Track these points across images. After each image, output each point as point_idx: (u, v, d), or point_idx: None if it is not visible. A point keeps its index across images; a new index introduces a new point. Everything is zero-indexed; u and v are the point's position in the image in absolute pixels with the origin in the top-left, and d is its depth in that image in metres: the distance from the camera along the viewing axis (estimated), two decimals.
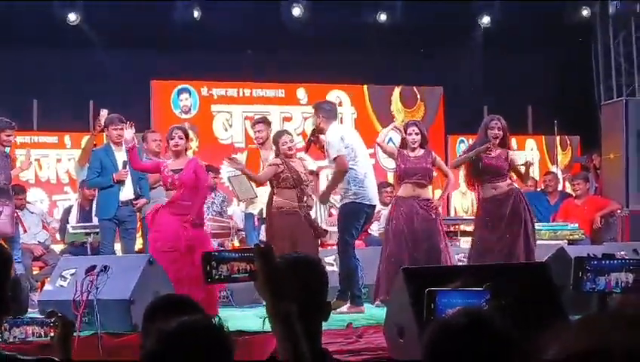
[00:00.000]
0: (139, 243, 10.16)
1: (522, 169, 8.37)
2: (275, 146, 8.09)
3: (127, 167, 8.36)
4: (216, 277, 2.31)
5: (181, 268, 6.80)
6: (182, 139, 7.38)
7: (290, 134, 8.38)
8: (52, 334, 2.98)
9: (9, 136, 8.45)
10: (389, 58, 12.50)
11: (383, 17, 12.59)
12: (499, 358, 2.16)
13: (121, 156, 8.48)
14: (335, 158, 7.83)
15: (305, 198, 7.93)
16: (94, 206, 9.16)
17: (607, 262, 5.51)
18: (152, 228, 7.26)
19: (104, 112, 8.96)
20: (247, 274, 2.30)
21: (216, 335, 2.14)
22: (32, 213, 9.95)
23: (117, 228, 8.46)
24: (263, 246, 1.92)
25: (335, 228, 10.71)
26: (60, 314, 3.06)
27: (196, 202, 7.29)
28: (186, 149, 7.54)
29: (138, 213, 8.69)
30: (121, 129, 8.29)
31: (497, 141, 7.99)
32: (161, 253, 6.88)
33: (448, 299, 3.12)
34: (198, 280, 6.96)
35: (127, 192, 8.50)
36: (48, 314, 3.10)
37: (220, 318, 2.24)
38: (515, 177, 8.32)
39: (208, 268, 2.38)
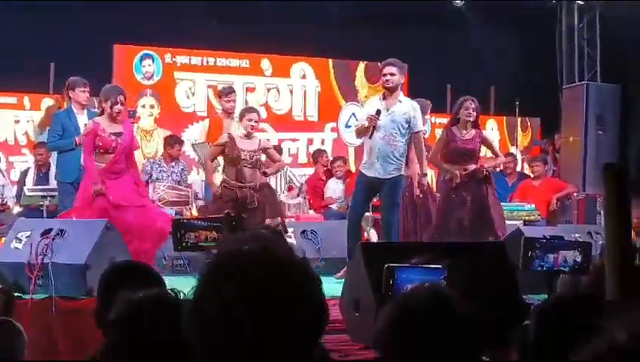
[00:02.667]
0: None
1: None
2: (240, 119, 8.08)
3: None
4: (184, 244, 2.31)
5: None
6: (123, 105, 7.33)
7: (259, 113, 8.38)
8: None
9: None
10: (354, 33, 12.47)
11: None
12: (458, 336, 2.18)
13: (82, 119, 8.38)
14: (418, 132, 7.78)
15: (245, 177, 7.89)
16: (52, 169, 9.06)
17: (557, 241, 5.61)
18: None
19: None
20: (214, 243, 2.29)
21: (181, 307, 2.13)
22: None
23: (75, 191, 8.37)
24: (232, 215, 1.91)
25: (294, 201, 10.75)
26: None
27: (132, 164, 7.40)
28: None
29: None
30: (87, 91, 8.25)
31: (471, 119, 7.95)
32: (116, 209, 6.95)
33: (407, 274, 3.14)
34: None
35: None
36: None
37: (184, 293, 2.23)
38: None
39: (178, 235, 2.37)
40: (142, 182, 7.82)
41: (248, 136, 7.98)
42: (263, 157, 8.21)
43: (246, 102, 11.78)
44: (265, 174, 8.15)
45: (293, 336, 1.40)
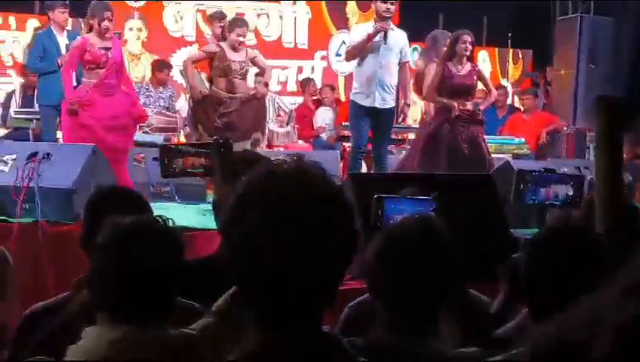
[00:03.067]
0: None
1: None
2: (229, 32, 7.91)
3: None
4: (171, 170, 2.28)
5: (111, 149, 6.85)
6: (112, 21, 7.23)
7: (248, 27, 8.26)
8: None
9: None
10: None
11: None
12: (445, 267, 2.18)
13: (63, 40, 8.29)
14: (407, 62, 7.79)
15: (236, 88, 7.84)
16: (36, 91, 8.97)
17: (549, 175, 5.60)
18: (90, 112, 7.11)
19: None
20: (202, 170, 2.26)
21: (169, 233, 2.12)
22: None
23: (58, 115, 8.29)
24: (221, 141, 1.87)
25: (283, 130, 10.70)
26: None
27: (125, 81, 7.38)
28: None
29: None
30: (67, 12, 8.16)
31: (467, 53, 7.82)
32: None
33: (396, 205, 3.13)
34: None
35: None
36: None
37: (172, 220, 2.21)
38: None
39: (166, 161, 2.34)
40: (139, 105, 7.70)
41: (235, 49, 7.87)
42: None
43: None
44: (267, 85, 8.14)
45: (319, 263, 1.37)
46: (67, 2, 8.33)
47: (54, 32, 8.35)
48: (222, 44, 7.91)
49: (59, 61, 8.17)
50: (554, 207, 5.10)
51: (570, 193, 5.27)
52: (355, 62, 7.84)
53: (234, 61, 7.81)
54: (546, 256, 2.15)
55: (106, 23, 7.15)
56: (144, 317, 2.02)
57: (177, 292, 2.14)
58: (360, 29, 7.97)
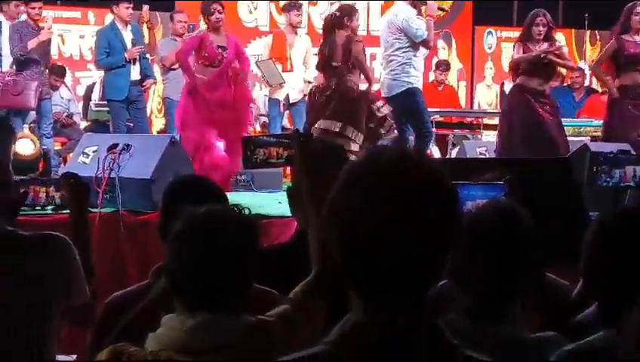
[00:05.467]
0: (160, 123, 10.21)
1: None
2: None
3: (139, 45, 8.35)
4: (254, 160, 2.31)
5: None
6: (221, 13, 7.26)
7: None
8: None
9: (34, 8, 8.34)
10: None
11: None
12: (525, 250, 2.17)
13: (127, 35, 8.40)
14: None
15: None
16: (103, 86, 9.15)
17: (624, 156, 5.47)
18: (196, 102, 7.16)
19: (146, 8, 8.83)
20: (284, 160, 2.29)
21: (244, 221, 2.14)
22: (62, 98, 10.04)
23: (127, 108, 8.44)
24: (301, 132, 1.88)
25: None
26: (71, 177, 3.08)
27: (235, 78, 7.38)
28: None
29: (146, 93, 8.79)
30: (132, 7, 8.29)
31: (542, 36, 7.73)
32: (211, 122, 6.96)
33: (468, 191, 3.12)
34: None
35: (135, 72, 8.44)
36: (63, 178, 3.15)
37: (249, 209, 2.23)
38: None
39: (248, 152, 2.37)
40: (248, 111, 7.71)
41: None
42: None
43: (309, 16, 11.66)
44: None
45: (420, 243, 1.39)
46: None
47: (118, 26, 8.46)
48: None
49: (127, 55, 8.31)
50: (630, 188, 4.98)
51: None
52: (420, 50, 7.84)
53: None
54: (614, 237, 2.12)
55: (216, 16, 7.20)
56: (221, 304, 2.04)
57: (254, 280, 2.17)
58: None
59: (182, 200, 2.76)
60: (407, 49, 7.65)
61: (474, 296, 2.16)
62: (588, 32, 12.93)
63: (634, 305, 1.65)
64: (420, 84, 7.88)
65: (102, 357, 2.03)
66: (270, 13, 12.09)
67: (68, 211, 3.20)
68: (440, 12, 7.98)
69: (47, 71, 8.79)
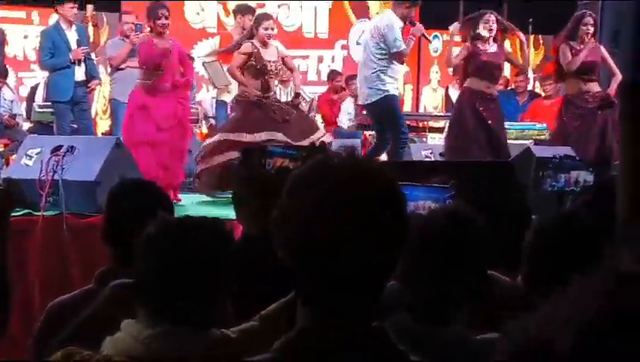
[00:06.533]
0: (106, 125, 10.11)
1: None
2: (255, 29, 7.67)
3: (83, 45, 8.26)
4: (261, 169, 2.32)
5: (165, 147, 6.90)
6: (167, 18, 7.20)
7: (273, 20, 8.13)
8: None
9: None
10: None
11: None
12: (474, 254, 2.19)
13: (72, 35, 8.29)
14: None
15: (271, 89, 7.62)
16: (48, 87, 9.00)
17: (569, 161, 5.56)
18: (141, 110, 7.07)
19: (90, 7, 8.69)
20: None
21: (221, 233, 2.09)
22: (5, 99, 9.87)
23: (71, 109, 8.33)
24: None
25: None
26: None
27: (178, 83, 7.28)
28: None
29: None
30: (76, 7, 8.19)
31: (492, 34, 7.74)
32: (156, 131, 6.93)
33: (411, 192, 3.14)
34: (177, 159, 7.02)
35: (80, 73, 8.34)
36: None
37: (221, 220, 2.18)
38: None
39: (256, 161, 2.37)
40: (187, 105, 7.58)
41: (266, 45, 7.66)
42: None
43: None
44: (297, 95, 7.94)
45: (368, 245, 1.40)
46: None
47: (63, 27, 8.34)
48: (254, 42, 7.62)
49: (72, 56, 8.21)
50: (573, 193, 5.06)
51: (591, 179, 5.23)
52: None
53: (269, 61, 7.65)
54: (552, 239, 2.16)
55: (162, 21, 7.12)
56: (186, 315, 1.98)
57: (228, 294, 2.09)
58: (396, 25, 7.79)
59: (125, 204, 2.74)
60: (384, 56, 7.67)
61: (420, 297, 2.18)
62: (532, 37, 13.10)
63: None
64: (395, 91, 7.91)
65: (52, 359, 1.97)
66: (218, 14, 12.05)
67: None
68: (423, 37, 8.01)
69: None
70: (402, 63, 8.36)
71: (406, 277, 2.16)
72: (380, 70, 7.69)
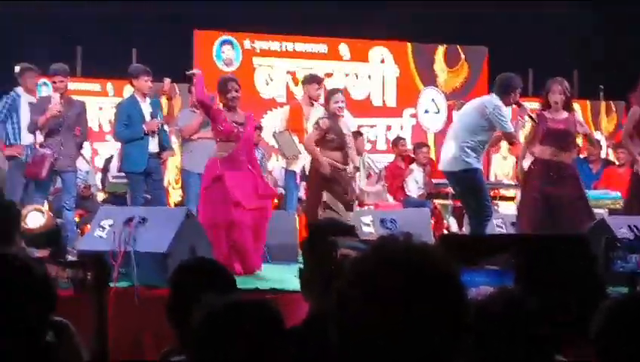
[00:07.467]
0: (177, 195, 10.24)
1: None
2: (326, 103, 7.87)
3: (158, 117, 8.42)
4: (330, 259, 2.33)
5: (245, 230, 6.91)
6: (238, 92, 7.31)
7: (343, 93, 8.22)
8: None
9: (62, 81, 8.42)
10: (433, 16, 12.33)
11: None
12: (530, 340, 2.15)
13: (146, 107, 8.45)
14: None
15: (348, 161, 7.77)
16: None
17: None
18: (216, 183, 7.11)
19: (168, 81, 8.86)
20: None
21: (270, 319, 2.07)
22: (80, 170, 10.07)
23: (144, 180, 8.45)
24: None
25: (373, 189, 10.70)
26: (94, 258, 3.06)
27: (253, 159, 7.34)
28: None
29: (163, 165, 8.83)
30: (152, 80, 8.37)
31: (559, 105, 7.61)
32: (234, 210, 6.94)
33: (472, 277, 3.05)
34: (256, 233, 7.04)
35: (154, 144, 8.49)
36: (89, 259, 3.13)
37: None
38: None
39: (328, 251, 2.38)
40: (263, 180, 7.57)
41: (337, 118, 7.81)
42: None
43: (325, 88, 11.76)
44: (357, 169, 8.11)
45: (425, 339, 1.38)
46: (150, 70, 8.52)
47: (138, 99, 8.53)
48: (328, 118, 7.78)
49: (146, 127, 8.36)
50: None
51: None
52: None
53: (347, 135, 7.80)
54: (622, 323, 2.10)
55: (232, 94, 7.24)
56: None
57: None
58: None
59: (189, 286, 2.76)
60: (482, 135, 7.50)
61: None
62: (603, 103, 12.96)
63: None
64: (480, 165, 7.70)
65: None
66: (287, 84, 12.22)
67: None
68: (528, 119, 7.76)
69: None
70: (512, 145, 8.30)
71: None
72: (472, 146, 7.44)
